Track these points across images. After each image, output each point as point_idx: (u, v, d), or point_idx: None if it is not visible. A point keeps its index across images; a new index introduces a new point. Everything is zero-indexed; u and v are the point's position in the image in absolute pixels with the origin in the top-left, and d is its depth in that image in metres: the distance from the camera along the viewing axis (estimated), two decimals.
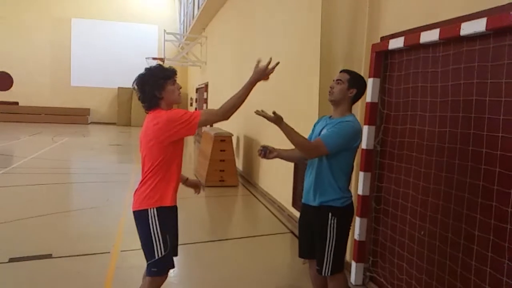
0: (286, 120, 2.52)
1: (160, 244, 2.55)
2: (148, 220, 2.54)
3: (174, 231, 2.72)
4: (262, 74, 2.48)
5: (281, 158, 2.86)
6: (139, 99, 2.61)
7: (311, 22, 4.92)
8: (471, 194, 2.55)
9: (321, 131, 2.69)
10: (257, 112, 2.47)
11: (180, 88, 2.66)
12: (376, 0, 3.64)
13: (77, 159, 11.72)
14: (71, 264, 4.05)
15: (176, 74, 2.63)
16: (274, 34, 7.04)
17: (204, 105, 15.44)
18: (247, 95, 2.49)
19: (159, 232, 2.54)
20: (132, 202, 2.66)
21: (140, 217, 2.58)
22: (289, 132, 2.53)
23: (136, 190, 2.67)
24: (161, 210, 2.56)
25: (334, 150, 2.55)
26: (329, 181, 2.63)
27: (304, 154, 2.66)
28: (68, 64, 23.69)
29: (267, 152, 2.73)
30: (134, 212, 2.63)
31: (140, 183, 2.64)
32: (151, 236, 2.54)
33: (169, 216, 2.64)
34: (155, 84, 2.53)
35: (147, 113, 2.63)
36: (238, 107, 2.50)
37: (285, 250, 4.86)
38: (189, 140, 15.91)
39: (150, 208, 2.54)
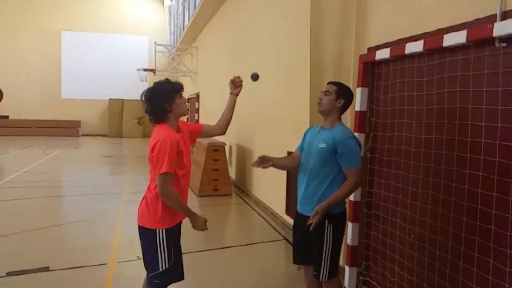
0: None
1: (165, 258, 2.59)
2: (156, 239, 2.58)
3: (178, 243, 2.75)
4: (196, 226, 2.70)
5: (275, 166, 2.95)
6: (146, 111, 2.65)
7: (301, 34, 5.04)
8: (457, 197, 2.67)
9: (311, 140, 2.85)
10: (310, 224, 2.65)
11: (186, 101, 2.75)
12: (363, 13, 3.77)
13: (69, 172, 11.67)
14: (69, 276, 4.08)
15: (183, 89, 2.71)
16: (264, 44, 7.16)
17: (196, 115, 15.44)
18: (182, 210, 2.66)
19: (165, 248, 2.59)
20: (138, 215, 2.68)
21: (147, 234, 2.62)
22: (337, 198, 2.67)
23: (141, 202, 2.69)
24: (169, 230, 2.62)
25: (361, 164, 2.75)
26: (327, 191, 2.71)
27: (356, 189, 2.92)
28: (58, 76, 23.62)
29: (263, 162, 2.82)
30: (140, 227, 2.66)
31: (147, 198, 2.63)
32: (157, 252, 2.59)
33: (176, 231, 2.71)
34: (166, 97, 2.59)
35: (154, 126, 2.68)
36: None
37: (279, 257, 4.93)
38: None
39: (159, 229, 2.58)
